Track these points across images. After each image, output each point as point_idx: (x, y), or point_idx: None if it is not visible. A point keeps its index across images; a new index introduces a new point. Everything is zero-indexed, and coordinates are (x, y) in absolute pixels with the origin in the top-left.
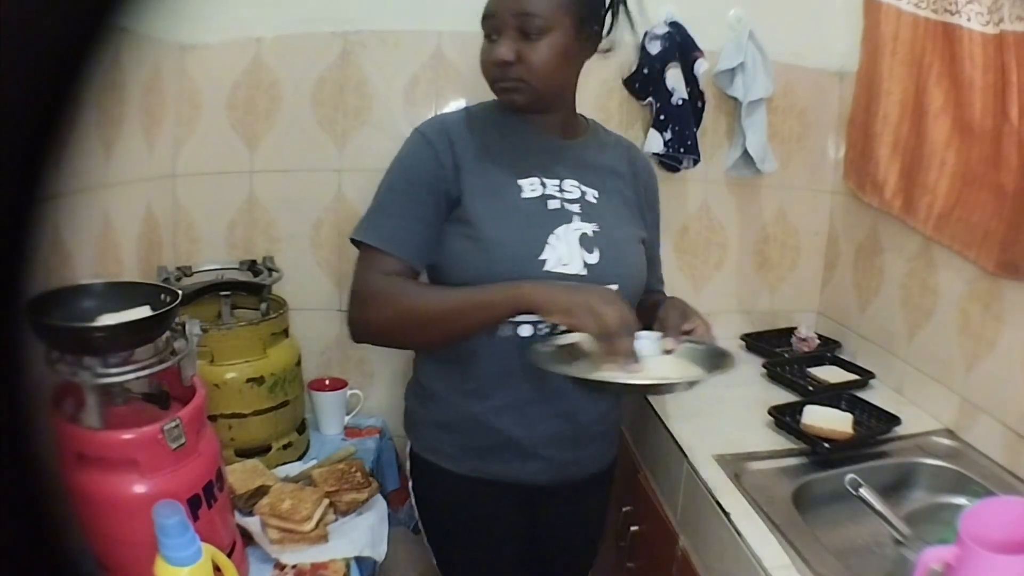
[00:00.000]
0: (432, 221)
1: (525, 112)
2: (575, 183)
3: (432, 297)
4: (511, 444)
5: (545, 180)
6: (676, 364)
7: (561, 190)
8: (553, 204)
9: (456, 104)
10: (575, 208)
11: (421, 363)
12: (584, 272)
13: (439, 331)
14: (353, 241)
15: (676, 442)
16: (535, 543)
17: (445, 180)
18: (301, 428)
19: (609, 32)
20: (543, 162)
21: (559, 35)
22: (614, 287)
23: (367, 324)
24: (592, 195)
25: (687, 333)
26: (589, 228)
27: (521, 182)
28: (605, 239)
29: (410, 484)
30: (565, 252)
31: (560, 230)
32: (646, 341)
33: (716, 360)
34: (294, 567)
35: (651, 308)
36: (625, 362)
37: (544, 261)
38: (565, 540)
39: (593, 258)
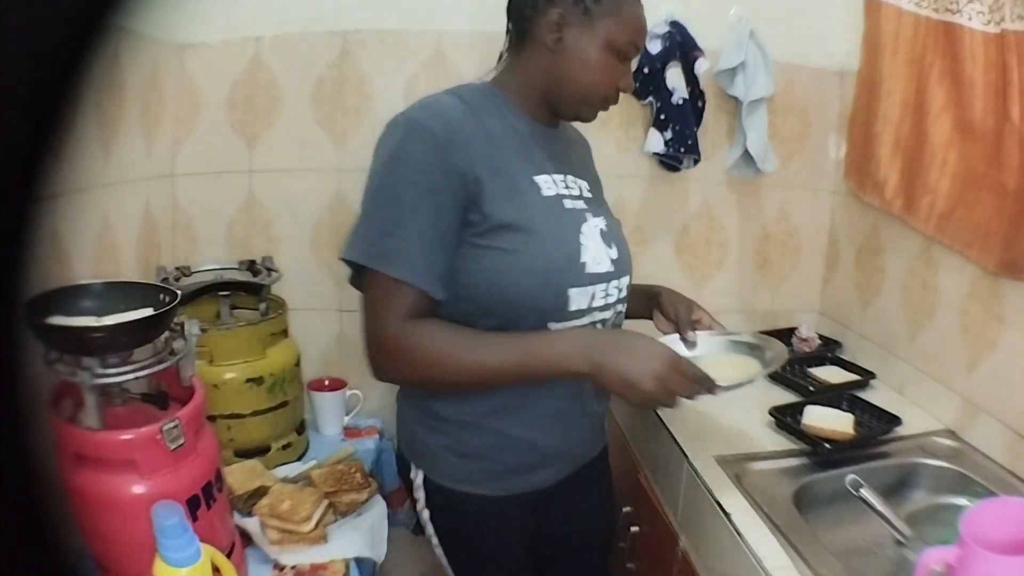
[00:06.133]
0: (453, 239)
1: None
2: (573, 178)
3: (476, 364)
4: (547, 455)
5: (554, 176)
6: (726, 360)
7: (566, 186)
8: (567, 202)
9: None
10: (581, 204)
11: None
12: (612, 269)
13: (475, 389)
14: (349, 262)
15: (676, 443)
16: (543, 544)
17: (465, 185)
18: (300, 428)
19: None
20: (545, 155)
21: None
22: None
23: (395, 375)
24: (584, 188)
25: (696, 323)
26: (602, 223)
27: (536, 179)
28: (613, 232)
29: (426, 514)
30: (595, 251)
31: (585, 228)
32: (677, 346)
33: (748, 347)
34: (293, 568)
35: (645, 298)
36: (698, 391)
37: (584, 264)
38: (573, 533)
39: (613, 253)
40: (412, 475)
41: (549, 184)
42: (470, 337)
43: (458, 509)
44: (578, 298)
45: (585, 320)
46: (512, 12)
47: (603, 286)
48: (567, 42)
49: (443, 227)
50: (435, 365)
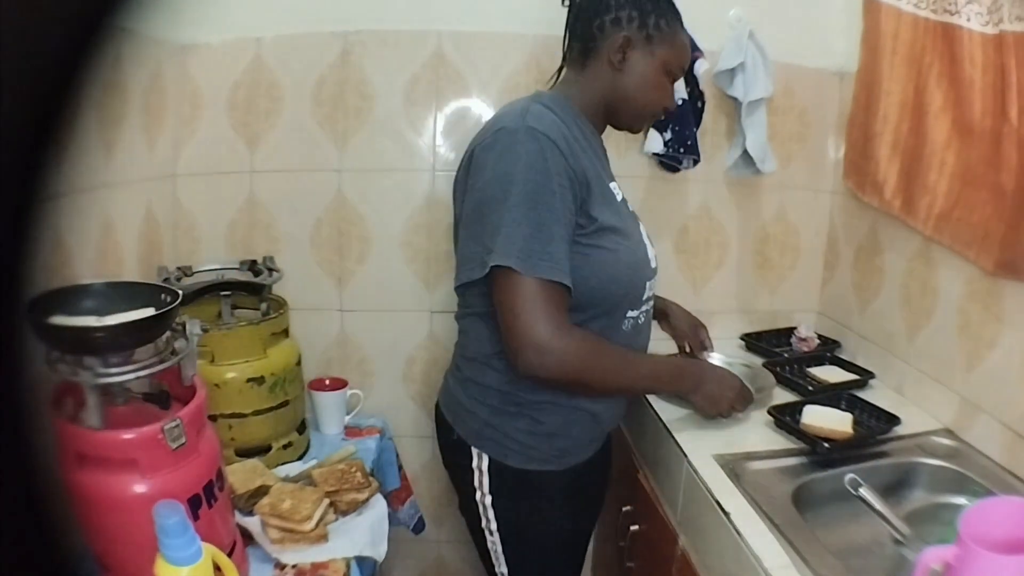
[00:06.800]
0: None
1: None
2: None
3: (619, 376)
4: (602, 424)
5: (616, 183)
6: None
7: (621, 191)
8: (629, 205)
9: (457, 104)
10: (630, 208)
11: (500, 372)
12: (656, 264)
13: (604, 395)
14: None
15: (676, 442)
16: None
17: (581, 190)
18: (301, 428)
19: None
20: (606, 163)
21: None
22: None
23: (550, 372)
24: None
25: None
26: (642, 225)
27: (610, 185)
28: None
29: (488, 499)
30: (650, 249)
31: (641, 228)
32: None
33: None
34: (294, 567)
35: (655, 308)
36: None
37: (649, 260)
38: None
39: (654, 251)
40: (475, 463)
41: (616, 190)
42: (620, 355)
43: (525, 486)
44: (647, 289)
45: (645, 308)
46: (577, 30)
47: (654, 279)
48: (630, 62)
49: (572, 229)
50: (589, 372)
